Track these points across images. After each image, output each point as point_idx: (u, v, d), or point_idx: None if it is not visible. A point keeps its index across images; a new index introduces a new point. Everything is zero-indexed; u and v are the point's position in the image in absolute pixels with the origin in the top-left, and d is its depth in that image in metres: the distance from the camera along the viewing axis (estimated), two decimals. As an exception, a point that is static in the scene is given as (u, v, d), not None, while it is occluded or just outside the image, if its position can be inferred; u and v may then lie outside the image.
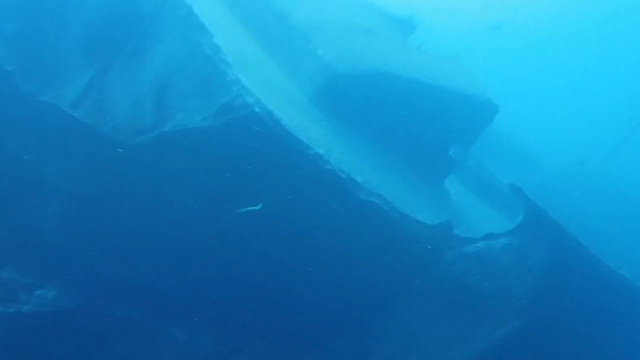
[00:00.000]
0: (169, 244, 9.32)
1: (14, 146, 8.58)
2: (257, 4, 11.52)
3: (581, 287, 9.27)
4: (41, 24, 10.67)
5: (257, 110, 7.83)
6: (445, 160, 12.31)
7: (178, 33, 9.21)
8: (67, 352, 9.23)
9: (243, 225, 8.82)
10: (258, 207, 7.90)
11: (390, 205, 8.80)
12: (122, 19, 10.26)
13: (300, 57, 10.56)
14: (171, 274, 9.78)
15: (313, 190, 8.34)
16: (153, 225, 9.24)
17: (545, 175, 22.25)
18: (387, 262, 9.16)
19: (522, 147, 23.21)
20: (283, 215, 8.58)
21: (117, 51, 10.01)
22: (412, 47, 13.37)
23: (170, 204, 8.77)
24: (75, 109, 9.11)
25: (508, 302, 9.01)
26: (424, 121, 11.62)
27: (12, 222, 8.65)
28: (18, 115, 8.42)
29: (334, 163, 8.31)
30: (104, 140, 8.62)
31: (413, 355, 9.43)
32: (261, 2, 11.50)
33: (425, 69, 11.88)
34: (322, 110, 10.05)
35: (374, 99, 10.76)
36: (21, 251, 8.74)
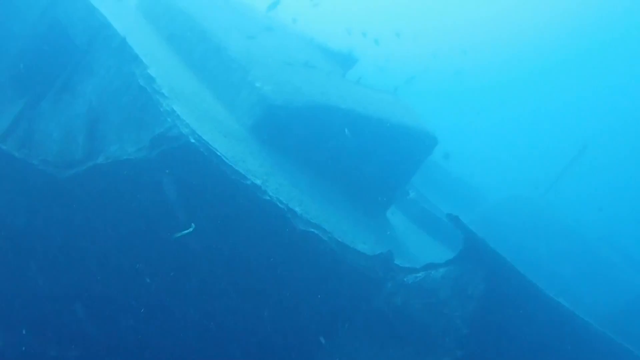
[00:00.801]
0: (102, 278, 9.12)
1: None
2: (194, 37, 11.63)
3: (520, 315, 9.48)
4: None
5: (192, 140, 7.82)
6: (385, 192, 12.53)
7: (112, 64, 9.18)
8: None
9: (179, 259, 8.73)
10: (191, 229, 7.83)
11: (329, 235, 8.85)
12: (54, 50, 10.19)
13: (238, 89, 10.67)
14: (104, 311, 9.54)
15: (250, 221, 8.32)
16: (85, 259, 9.03)
17: (487, 208, 22.88)
18: (327, 293, 9.16)
19: (467, 181, 23.89)
20: (219, 247, 8.52)
21: (49, 83, 9.89)
22: (351, 80, 13.68)
23: (103, 236, 8.61)
24: (3, 141, 8.92)
25: (449, 332, 9.10)
26: (363, 153, 11.85)
27: None
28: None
29: (272, 193, 8.33)
30: (34, 173, 8.42)
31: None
32: (198, 35, 11.61)
33: (363, 101, 12.17)
34: (261, 142, 10.14)
35: (312, 131, 10.92)
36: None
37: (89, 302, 9.04)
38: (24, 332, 9.29)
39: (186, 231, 7.80)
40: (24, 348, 9.30)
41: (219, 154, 7.91)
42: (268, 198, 8.23)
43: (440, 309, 9.24)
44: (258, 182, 8.25)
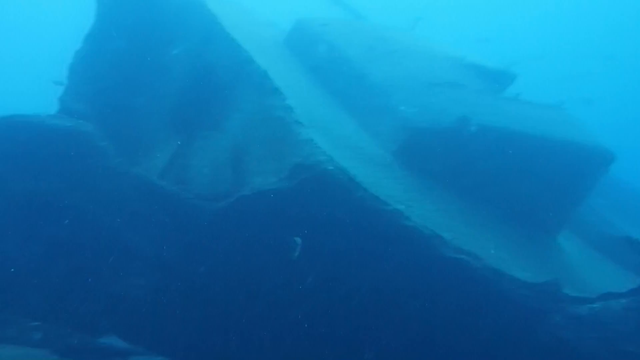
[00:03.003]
0: (257, 308, 9.46)
1: (106, 217, 9.16)
2: (337, 65, 11.88)
3: None
4: (134, 101, 11.58)
5: (330, 168, 7.94)
6: (553, 215, 11.78)
7: (254, 98, 9.65)
8: None
9: (320, 290, 8.85)
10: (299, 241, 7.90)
11: (482, 262, 8.47)
12: (206, 90, 10.92)
13: (381, 114, 10.70)
14: (264, 341, 9.87)
15: (393, 249, 8.22)
16: (240, 292, 9.43)
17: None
18: (482, 326, 8.74)
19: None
20: (362, 277, 8.50)
21: (201, 121, 10.60)
22: (508, 97, 13.16)
23: (255, 267, 8.93)
24: (162, 178, 9.69)
25: (632, 373, 8.27)
26: (523, 173, 11.26)
27: (105, 291, 9.13)
28: (109, 188, 9.03)
29: (416, 219, 8.18)
30: (188, 207, 9.02)
31: None
32: (341, 63, 11.85)
33: (520, 117, 11.62)
34: (406, 167, 10.03)
35: (462, 153, 10.61)
36: (116, 319, 9.17)
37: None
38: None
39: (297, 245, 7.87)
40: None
41: (357, 180, 7.93)
42: (412, 224, 8.08)
43: (620, 346, 8.42)
44: (401, 207, 8.14)
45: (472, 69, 13.84)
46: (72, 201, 8.75)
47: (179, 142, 10.35)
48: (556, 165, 11.25)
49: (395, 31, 15.27)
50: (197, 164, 9.97)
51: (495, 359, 8.99)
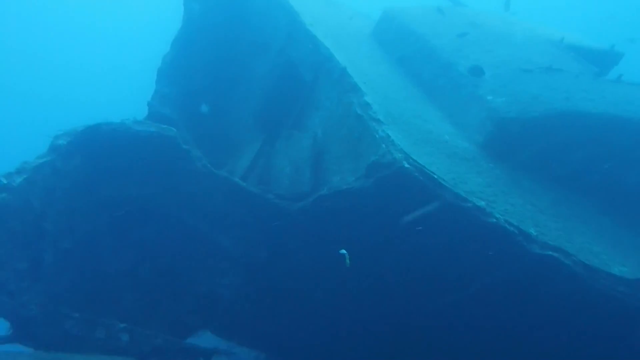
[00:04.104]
0: (342, 305, 9.58)
1: (192, 220, 9.54)
2: (423, 56, 11.70)
3: None
4: (220, 103, 11.98)
5: (407, 165, 7.84)
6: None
7: (333, 96, 9.69)
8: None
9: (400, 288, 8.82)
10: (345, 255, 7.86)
11: (573, 258, 8.10)
12: (288, 88, 11.09)
13: (467, 105, 10.45)
14: (354, 342, 10.01)
15: (475, 248, 8.02)
16: (325, 290, 9.59)
17: None
18: (576, 326, 8.39)
19: None
20: (440, 278, 8.37)
21: (284, 120, 10.79)
22: (610, 80, 12.50)
23: (336, 265, 9.02)
24: (245, 178, 9.96)
25: None
26: (623, 160, 10.68)
27: (194, 291, 9.53)
28: (194, 191, 9.39)
29: (499, 215, 7.94)
30: (270, 207, 9.22)
31: None
32: (427, 53, 11.66)
33: (620, 101, 11.01)
34: (493, 160, 9.74)
35: (555, 142, 10.19)
36: (206, 319, 9.57)
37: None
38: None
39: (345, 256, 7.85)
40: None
41: (435, 177, 7.80)
42: (494, 221, 7.85)
43: None
44: (481, 203, 7.92)
45: (571, 51, 13.22)
46: (158, 205, 9.16)
47: (261, 143, 10.56)
48: None
49: (489, 16, 14.81)
50: (279, 164, 10.16)
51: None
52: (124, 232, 9.04)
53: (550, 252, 7.96)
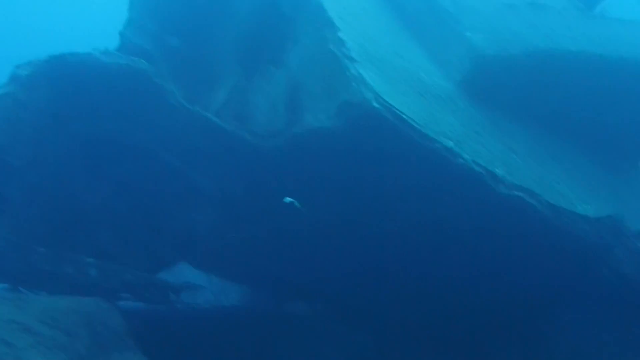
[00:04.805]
0: (320, 240, 9.73)
1: (166, 155, 9.55)
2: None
3: None
4: (197, 36, 11.72)
5: (376, 105, 7.83)
6: (635, 143, 11.20)
7: (310, 31, 9.51)
8: (227, 349, 10.06)
9: (381, 226, 8.95)
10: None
11: (539, 198, 8.23)
12: (268, 22, 10.86)
13: (447, 42, 10.32)
14: (327, 271, 10.20)
15: (443, 188, 8.11)
16: (301, 224, 9.67)
17: None
18: (543, 262, 8.58)
19: None
20: (414, 219, 8.49)
21: (262, 54, 10.63)
22: (594, 14, 12.33)
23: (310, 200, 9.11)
24: (220, 114, 9.89)
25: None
26: (603, 99, 10.69)
27: (169, 228, 9.65)
28: (168, 126, 9.34)
29: (467, 156, 7.99)
30: (245, 144, 9.23)
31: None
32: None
33: (605, 39, 10.91)
34: (471, 98, 9.71)
35: (534, 81, 10.16)
36: (179, 255, 9.73)
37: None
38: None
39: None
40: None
41: (404, 117, 7.80)
42: (461, 161, 7.91)
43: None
44: (449, 144, 7.97)
45: (558, -16, 12.94)
46: (133, 140, 9.12)
47: (237, 77, 10.44)
48: None
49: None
50: (254, 100, 10.08)
51: (556, 295, 8.88)
52: (97, 167, 9.03)
53: (517, 193, 8.07)
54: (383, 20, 10.97)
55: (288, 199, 8.10)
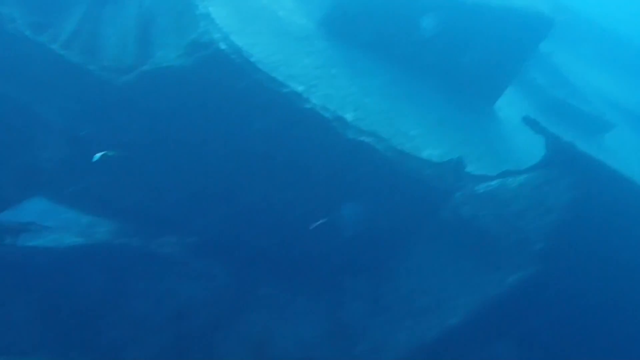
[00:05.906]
0: (173, 175, 9.62)
1: (8, 88, 9.05)
2: None
3: (614, 229, 8.68)
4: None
5: (223, 47, 7.71)
6: (489, 84, 11.66)
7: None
8: (78, 288, 9.95)
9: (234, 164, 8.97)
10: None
11: (386, 143, 8.49)
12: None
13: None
14: (182, 207, 10.16)
15: (294, 135, 8.20)
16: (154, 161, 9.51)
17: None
18: (388, 205, 8.95)
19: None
20: (266, 162, 8.57)
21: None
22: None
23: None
24: (67, 47, 9.40)
25: (522, 247, 8.61)
26: (461, 40, 10.99)
27: (12, 164, 9.25)
28: (8, 56, 8.82)
29: (316, 101, 8.08)
30: (93, 79, 8.89)
31: (422, 299, 9.34)
32: None
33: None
34: (331, 38, 9.71)
35: (395, 21, 10.25)
36: (23, 193, 9.39)
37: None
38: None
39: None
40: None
41: (252, 60, 7.74)
42: (310, 106, 8.00)
43: (513, 222, 8.71)
44: (299, 88, 8.01)
45: None
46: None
47: (87, 7, 9.90)
48: (492, 31, 10.95)
49: None
50: (105, 32, 9.65)
51: (402, 237, 9.33)
52: None
53: (364, 138, 8.27)
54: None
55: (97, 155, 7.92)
